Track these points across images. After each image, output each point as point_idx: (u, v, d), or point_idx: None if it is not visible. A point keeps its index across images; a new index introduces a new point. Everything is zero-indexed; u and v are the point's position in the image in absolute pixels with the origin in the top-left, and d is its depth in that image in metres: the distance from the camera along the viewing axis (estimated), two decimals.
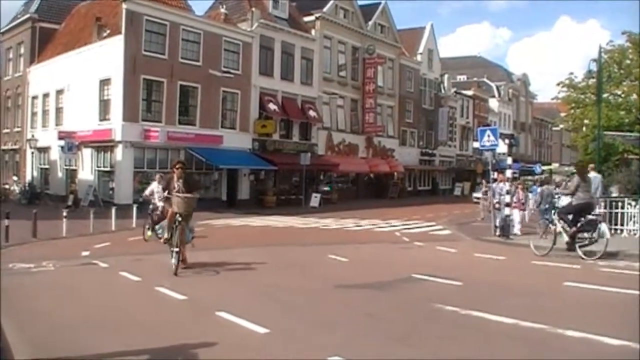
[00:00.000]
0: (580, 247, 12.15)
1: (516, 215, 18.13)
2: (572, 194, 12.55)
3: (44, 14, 37.39)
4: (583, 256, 11.85)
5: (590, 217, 12.22)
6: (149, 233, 15.76)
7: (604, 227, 12.18)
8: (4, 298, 7.09)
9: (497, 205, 17.57)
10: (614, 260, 11.80)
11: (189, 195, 10.40)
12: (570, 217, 12.38)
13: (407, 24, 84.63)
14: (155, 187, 16.03)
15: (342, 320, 6.73)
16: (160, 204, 15.26)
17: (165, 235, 10.83)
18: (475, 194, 40.13)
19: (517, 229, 17.85)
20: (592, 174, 15.83)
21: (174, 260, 10.07)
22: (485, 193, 18.98)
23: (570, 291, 8.66)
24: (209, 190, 31.84)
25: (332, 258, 12.61)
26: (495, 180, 18.38)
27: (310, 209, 32.17)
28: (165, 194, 10.86)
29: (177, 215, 10.31)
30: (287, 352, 5.45)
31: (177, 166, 10.75)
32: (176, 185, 10.44)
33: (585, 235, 12.18)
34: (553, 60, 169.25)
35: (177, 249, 10.09)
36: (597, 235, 12.04)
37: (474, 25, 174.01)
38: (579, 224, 12.16)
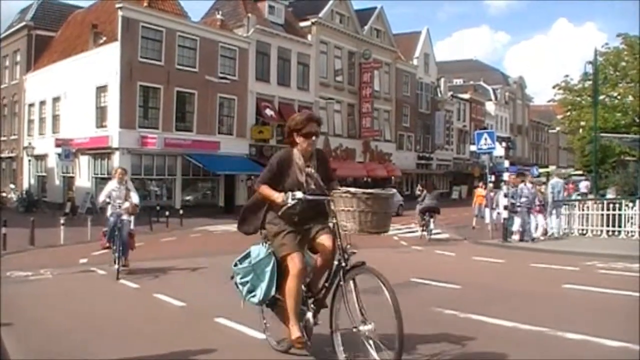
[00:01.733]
0: (428, 233, 18.14)
1: (540, 219, 17.60)
2: (422, 201, 18.78)
3: (40, 22, 37.45)
4: (427, 238, 17.90)
5: (430, 215, 18.26)
6: (116, 265, 10.41)
7: (431, 222, 18.17)
8: (2, 306, 7.06)
9: (518, 209, 16.76)
10: (612, 262, 11.91)
11: (377, 191, 4.69)
12: (424, 215, 18.39)
13: (405, 28, 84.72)
14: (114, 187, 10.82)
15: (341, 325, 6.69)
16: (126, 217, 10.74)
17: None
18: None
19: (539, 232, 17.36)
20: (555, 179, 19.25)
21: None
22: (423, 200, 18.10)
23: (569, 293, 8.66)
24: (207, 196, 31.97)
25: None
26: (504, 182, 17.99)
27: None
28: (285, 196, 4.58)
29: (347, 245, 4.64)
30: (287, 357, 5.43)
31: (306, 130, 4.82)
32: (306, 175, 4.86)
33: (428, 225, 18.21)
34: (551, 62, 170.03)
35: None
36: (431, 226, 18.27)
37: (472, 29, 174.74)
38: (425, 219, 18.32)
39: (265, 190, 4.81)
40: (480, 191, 23.49)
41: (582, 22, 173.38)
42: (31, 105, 36.21)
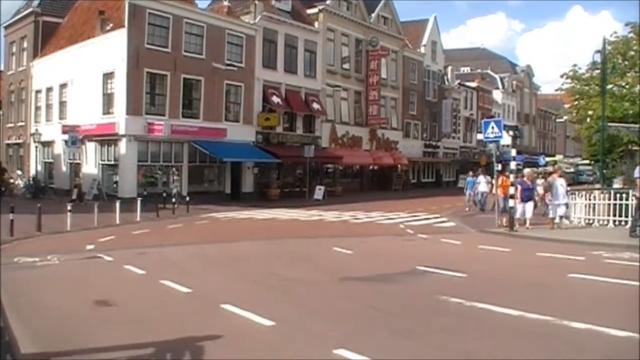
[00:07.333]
0: None
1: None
2: None
3: (47, 8, 37.32)
4: None
5: None
6: None
7: None
8: (9, 292, 7.13)
9: None
10: (618, 252, 11.92)
11: None
12: None
13: (419, 15, 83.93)
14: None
15: (347, 313, 6.73)
16: None
17: None
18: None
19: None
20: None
21: None
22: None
23: (575, 283, 8.66)
24: (213, 183, 32.06)
25: (336, 250, 12.62)
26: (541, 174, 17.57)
27: (314, 201, 32.15)
28: None
29: None
30: (292, 344, 5.46)
31: None
32: None
33: None
34: (564, 51, 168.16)
35: None
36: None
37: (488, 17, 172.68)
38: None
39: None
40: (505, 180, 18.66)
41: (597, 10, 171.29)
42: (38, 91, 36.20)
